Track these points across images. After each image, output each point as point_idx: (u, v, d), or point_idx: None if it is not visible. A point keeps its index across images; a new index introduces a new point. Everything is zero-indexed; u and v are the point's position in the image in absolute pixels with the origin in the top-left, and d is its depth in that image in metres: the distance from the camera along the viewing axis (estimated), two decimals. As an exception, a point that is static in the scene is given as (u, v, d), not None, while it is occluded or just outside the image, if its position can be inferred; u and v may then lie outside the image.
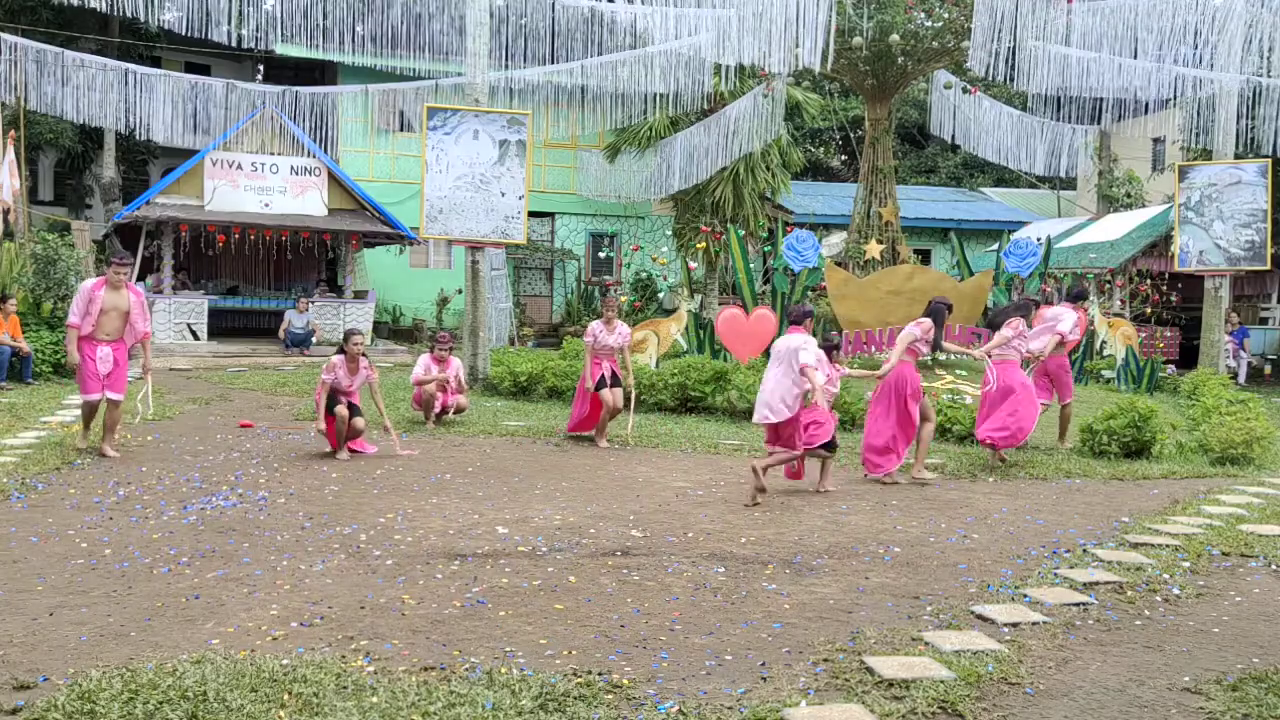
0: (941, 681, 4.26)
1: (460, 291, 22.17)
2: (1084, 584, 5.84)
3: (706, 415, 12.79)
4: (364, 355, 9.88)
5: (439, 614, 5.01)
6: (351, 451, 9.69)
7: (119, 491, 7.59)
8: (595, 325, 10.86)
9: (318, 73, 27.16)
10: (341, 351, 9.81)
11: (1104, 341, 17.87)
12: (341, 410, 9.50)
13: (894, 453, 8.92)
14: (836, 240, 25.01)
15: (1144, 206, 27.48)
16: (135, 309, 9.23)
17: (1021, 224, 28.32)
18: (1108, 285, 21.31)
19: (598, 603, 5.28)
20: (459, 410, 11.96)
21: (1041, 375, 10.83)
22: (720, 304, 21.81)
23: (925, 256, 28.96)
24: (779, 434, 8.28)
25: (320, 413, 9.61)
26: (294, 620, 4.85)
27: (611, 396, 10.61)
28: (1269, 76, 17.64)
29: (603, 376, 10.65)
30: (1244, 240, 17.85)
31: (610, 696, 4.04)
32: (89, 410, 9.26)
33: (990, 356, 9.70)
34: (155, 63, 24.53)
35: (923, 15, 19.82)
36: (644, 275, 25.62)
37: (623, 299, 24.41)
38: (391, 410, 12.47)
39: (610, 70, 17.98)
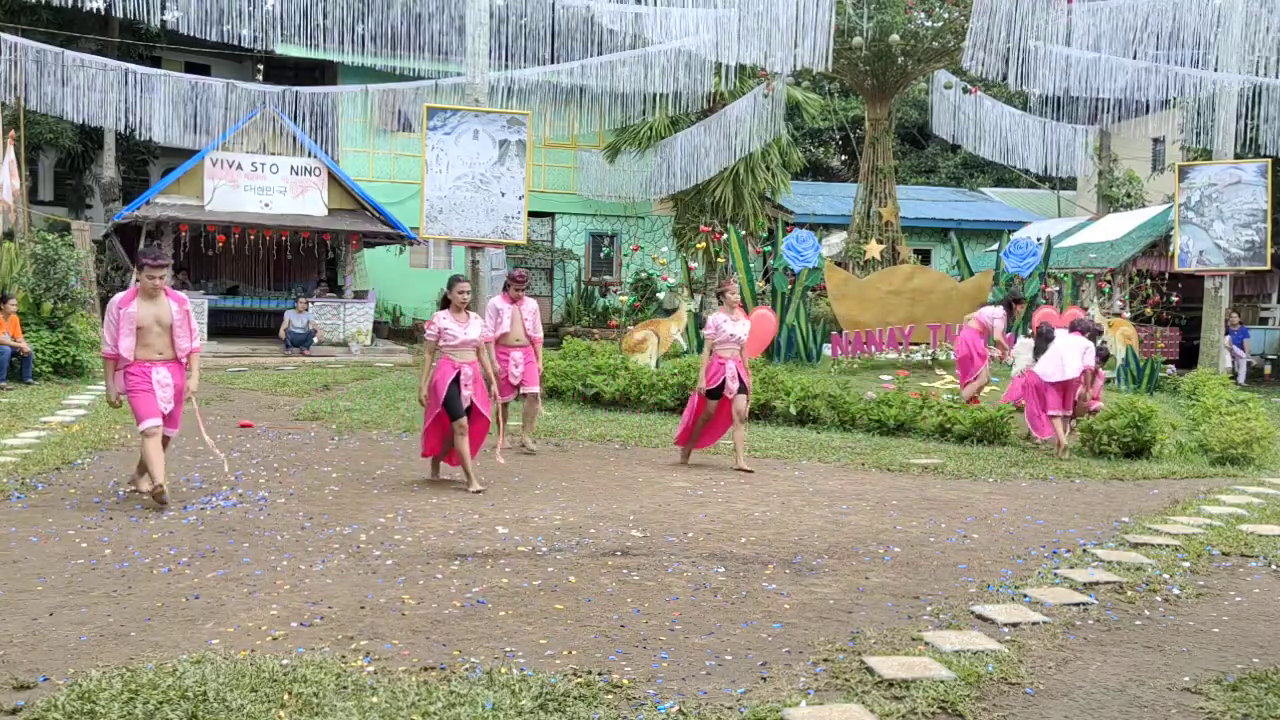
0: (941, 681, 4.26)
1: (460, 291, 22.14)
2: (1084, 584, 5.84)
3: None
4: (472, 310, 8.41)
5: (439, 614, 5.01)
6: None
7: (119, 491, 7.59)
8: (717, 316, 9.46)
9: (318, 73, 27.16)
10: (445, 305, 8.31)
11: (1104, 341, 17.89)
12: (462, 424, 8.11)
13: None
14: (836, 240, 25.02)
15: (1144, 206, 27.48)
16: (179, 321, 7.31)
17: (1021, 224, 28.33)
18: (1108, 285, 21.31)
19: (598, 603, 5.28)
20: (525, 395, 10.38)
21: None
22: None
23: (925, 256, 28.97)
24: (1066, 394, 10.66)
25: (424, 383, 8.24)
26: (294, 620, 4.85)
27: (740, 402, 9.35)
28: (1269, 76, 17.63)
29: (724, 380, 9.29)
30: (1244, 240, 17.85)
31: (610, 696, 4.04)
32: (150, 444, 7.13)
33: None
34: (155, 63, 24.52)
35: (923, 15, 19.85)
36: (644, 275, 25.62)
37: (623, 299, 24.44)
38: (392, 410, 12.50)
39: (610, 70, 17.98)
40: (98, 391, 13.68)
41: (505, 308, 10.32)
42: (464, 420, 8.11)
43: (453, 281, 8.33)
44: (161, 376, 7.21)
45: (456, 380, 8.09)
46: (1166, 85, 17.85)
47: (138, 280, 7.34)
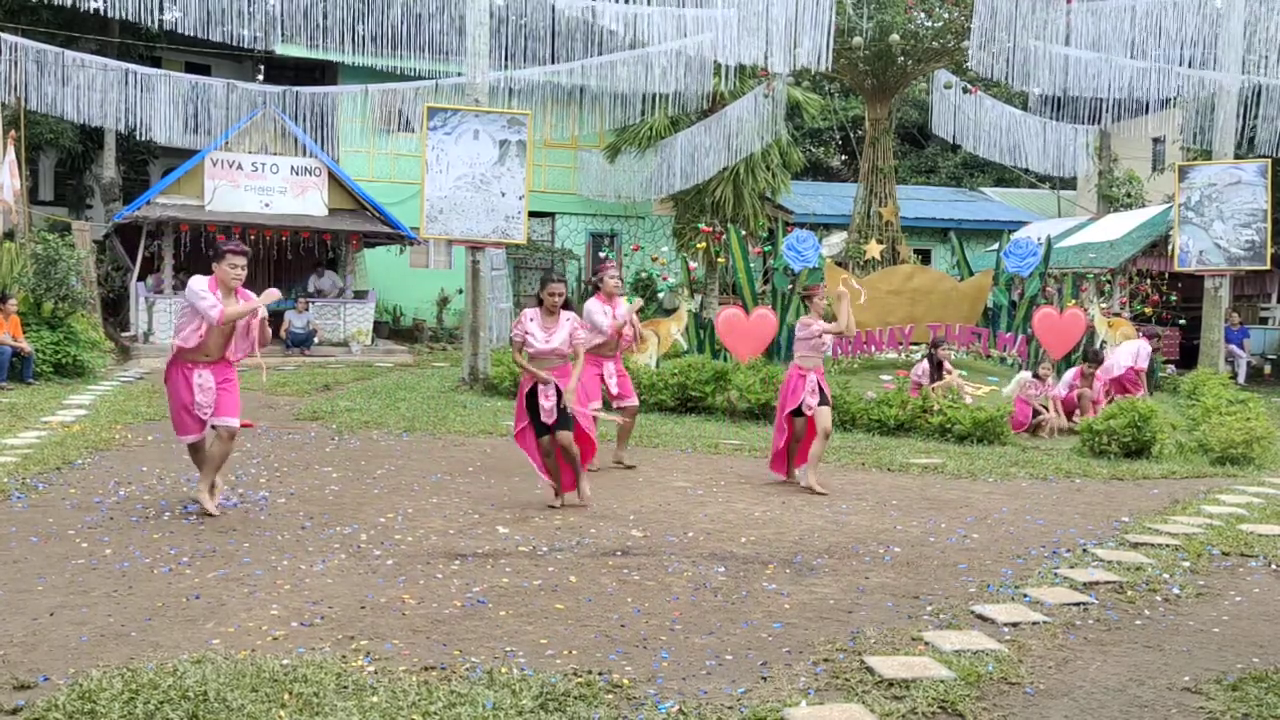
0: (941, 681, 4.26)
1: (460, 291, 22.16)
2: (1084, 584, 5.84)
3: (706, 415, 12.79)
4: (565, 311, 7.52)
5: (439, 614, 5.01)
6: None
7: (119, 491, 7.59)
8: (810, 320, 8.58)
9: (318, 73, 27.15)
10: (539, 303, 7.57)
11: (1104, 341, 17.88)
12: (545, 443, 7.44)
13: None
14: (836, 240, 25.01)
15: (1144, 206, 27.47)
16: (241, 326, 6.88)
17: (1021, 224, 28.30)
18: (1107, 285, 21.30)
19: (598, 602, 5.28)
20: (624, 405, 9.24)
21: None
22: (720, 304, 21.81)
23: (925, 256, 28.96)
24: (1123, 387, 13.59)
25: (521, 393, 7.51)
26: (294, 620, 4.85)
27: (823, 415, 8.40)
28: (1269, 76, 17.63)
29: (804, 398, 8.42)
30: (1244, 240, 17.84)
31: (610, 696, 4.04)
32: (194, 454, 7.25)
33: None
34: (155, 63, 24.50)
35: (923, 15, 19.82)
36: (644, 275, 25.60)
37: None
38: (392, 410, 12.50)
39: (610, 70, 17.97)
40: (98, 391, 13.70)
41: (606, 310, 8.96)
42: (548, 439, 7.45)
43: (544, 280, 7.49)
44: (204, 380, 6.84)
45: (534, 392, 7.47)
46: (1166, 85, 17.85)
47: (218, 269, 6.75)
